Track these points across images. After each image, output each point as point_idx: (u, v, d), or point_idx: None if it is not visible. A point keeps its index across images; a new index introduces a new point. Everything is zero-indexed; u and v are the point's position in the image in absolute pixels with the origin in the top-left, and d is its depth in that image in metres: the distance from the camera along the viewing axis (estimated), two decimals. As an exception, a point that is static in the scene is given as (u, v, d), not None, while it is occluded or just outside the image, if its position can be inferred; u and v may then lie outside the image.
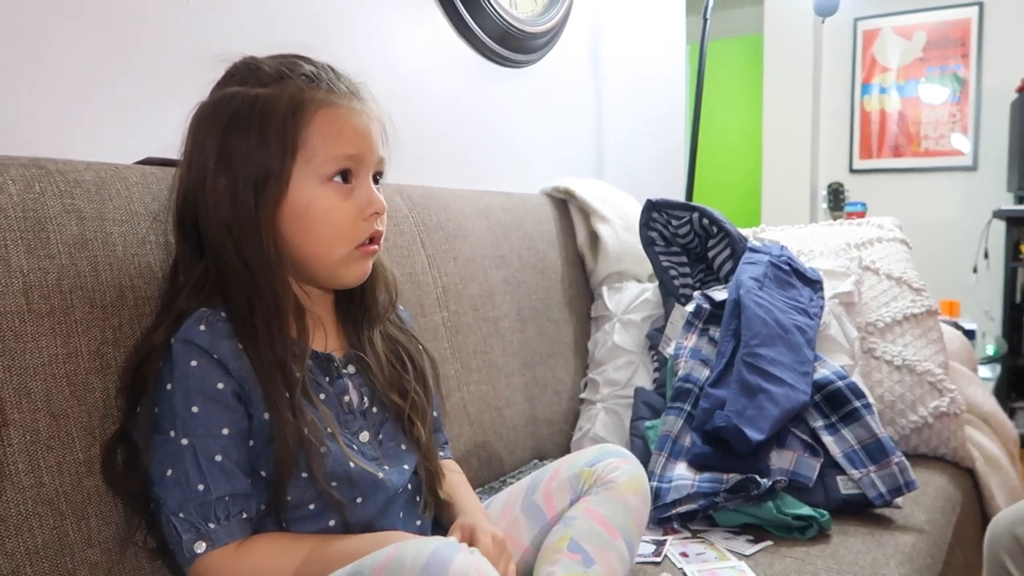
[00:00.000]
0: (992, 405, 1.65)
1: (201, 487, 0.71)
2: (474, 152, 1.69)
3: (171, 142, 0.82)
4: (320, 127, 0.76)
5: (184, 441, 0.71)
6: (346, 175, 0.78)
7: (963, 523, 1.22)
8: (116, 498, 0.76)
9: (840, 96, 3.86)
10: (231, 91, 0.77)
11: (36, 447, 0.71)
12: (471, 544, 0.77)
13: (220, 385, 0.73)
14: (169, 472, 0.71)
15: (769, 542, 1.05)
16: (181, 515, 0.70)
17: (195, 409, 0.72)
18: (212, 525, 0.70)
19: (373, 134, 0.80)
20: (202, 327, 0.73)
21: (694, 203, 1.49)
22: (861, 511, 1.14)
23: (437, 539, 0.65)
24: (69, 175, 0.80)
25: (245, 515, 0.73)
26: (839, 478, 1.14)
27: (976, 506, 1.38)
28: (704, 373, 1.25)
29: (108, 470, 0.75)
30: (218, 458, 0.71)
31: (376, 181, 0.82)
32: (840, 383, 1.20)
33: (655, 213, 1.50)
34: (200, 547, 0.70)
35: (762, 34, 4.10)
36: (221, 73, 0.81)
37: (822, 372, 1.23)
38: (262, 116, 0.75)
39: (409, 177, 1.30)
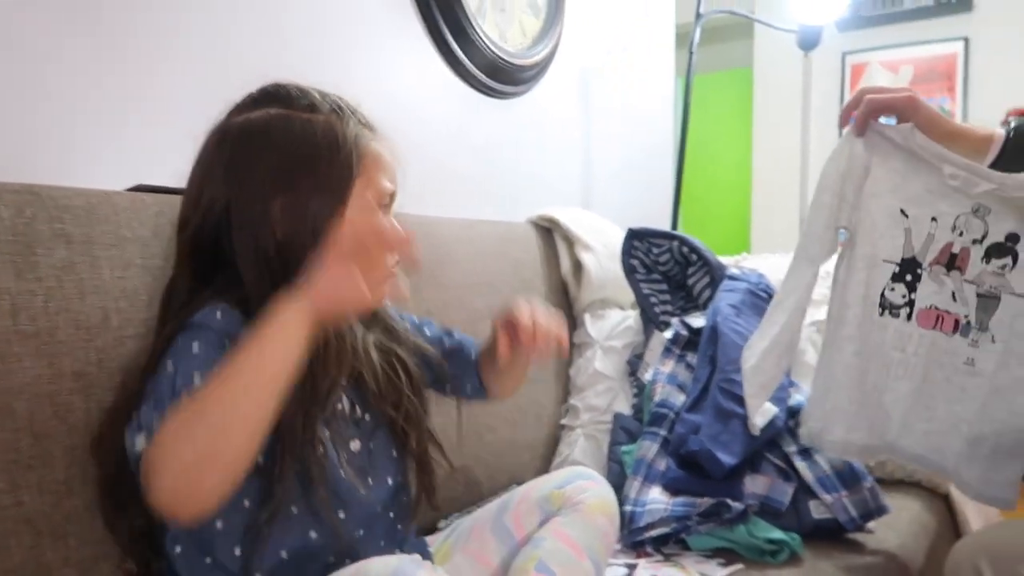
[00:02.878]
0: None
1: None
2: (464, 181, 1.72)
3: (166, 169, 0.83)
4: (371, 159, 0.80)
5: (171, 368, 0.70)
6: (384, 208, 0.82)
7: (936, 548, 1.24)
8: (95, 519, 0.77)
9: (830, 128, 3.91)
10: (280, 113, 0.78)
11: (17, 466, 0.73)
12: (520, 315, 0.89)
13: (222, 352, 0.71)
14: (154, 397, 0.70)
15: (740, 565, 1.07)
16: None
17: (195, 349, 0.71)
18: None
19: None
20: (218, 315, 0.73)
21: (674, 232, 1.53)
22: (834, 536, 1.16)
23: (401, 556, 0.67)
24: (60, 201, 0.83)
25: None
26: (811, 503, 1.16)
27: (951, 531, 1.39)
28: (680, 398, 1.27)
29: (99, 450, 0.76)
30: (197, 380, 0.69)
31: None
32: (814, 409, 1.22)
33: (636, 242, 1.53)
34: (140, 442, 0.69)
35: (752, 68, 4.17)
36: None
37: (796, 398, 1.25)
38: (326, 140, 0.77)
39: (398, 205, 1.33)
